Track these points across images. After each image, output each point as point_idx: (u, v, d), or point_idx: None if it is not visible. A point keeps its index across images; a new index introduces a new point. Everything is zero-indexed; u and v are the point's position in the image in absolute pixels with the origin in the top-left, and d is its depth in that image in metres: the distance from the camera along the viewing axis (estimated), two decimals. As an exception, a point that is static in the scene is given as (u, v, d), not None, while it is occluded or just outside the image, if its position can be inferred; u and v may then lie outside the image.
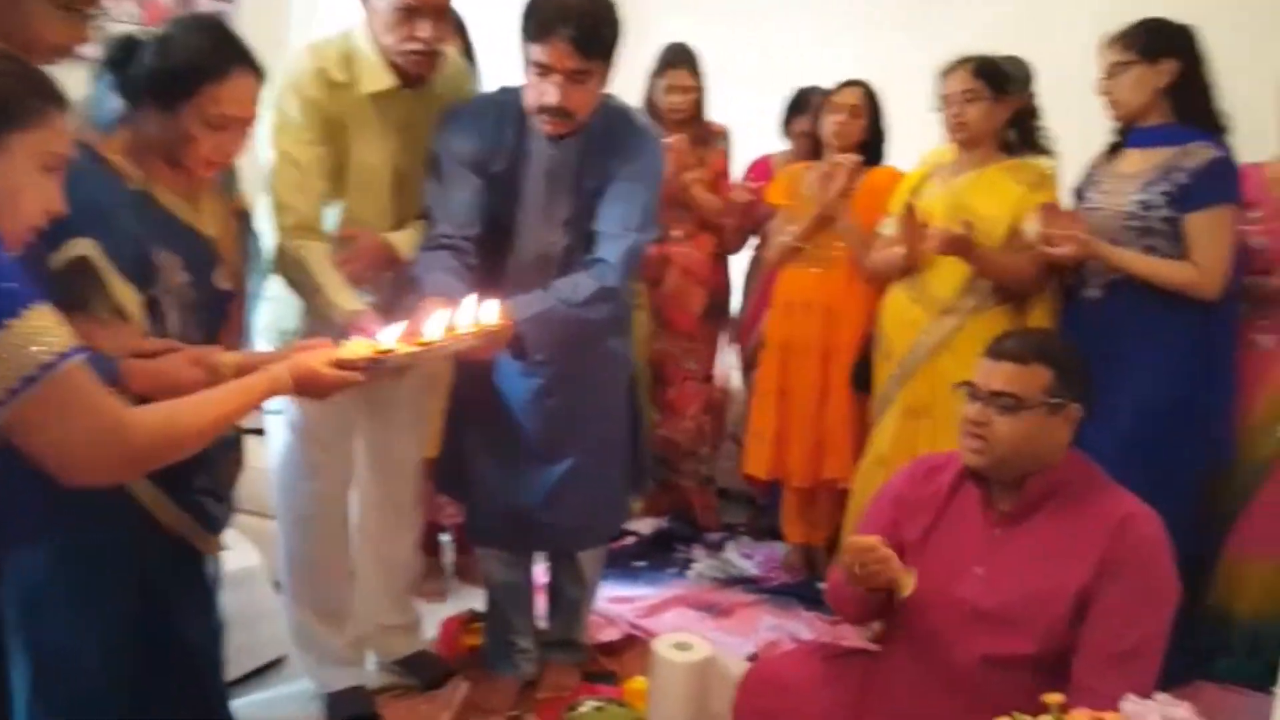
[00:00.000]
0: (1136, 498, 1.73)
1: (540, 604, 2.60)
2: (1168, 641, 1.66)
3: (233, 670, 2.06)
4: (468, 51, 2.69)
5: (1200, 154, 2.37)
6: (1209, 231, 2.36)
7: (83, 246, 1.47)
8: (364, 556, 2.46)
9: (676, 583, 3.24)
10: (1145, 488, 1.77)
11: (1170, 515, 1.73)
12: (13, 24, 1.46)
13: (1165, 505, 1.74)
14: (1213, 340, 2.44)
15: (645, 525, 3.56)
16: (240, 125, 1.64)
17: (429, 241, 2.13)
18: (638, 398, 2.53)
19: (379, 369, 1.55)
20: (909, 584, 1.76)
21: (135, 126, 1.60)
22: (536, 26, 2.00)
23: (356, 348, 1.54)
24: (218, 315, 1.73)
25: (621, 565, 3.25)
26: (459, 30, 2.70)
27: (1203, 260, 2.36)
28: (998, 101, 2.63)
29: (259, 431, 2.27)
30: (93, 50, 1.62)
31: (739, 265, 3.71)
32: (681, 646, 2.24)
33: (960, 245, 2.51)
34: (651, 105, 3.37)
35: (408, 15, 2.02)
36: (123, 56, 1.58)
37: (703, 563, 3.37)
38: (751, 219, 3.50)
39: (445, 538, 3.21)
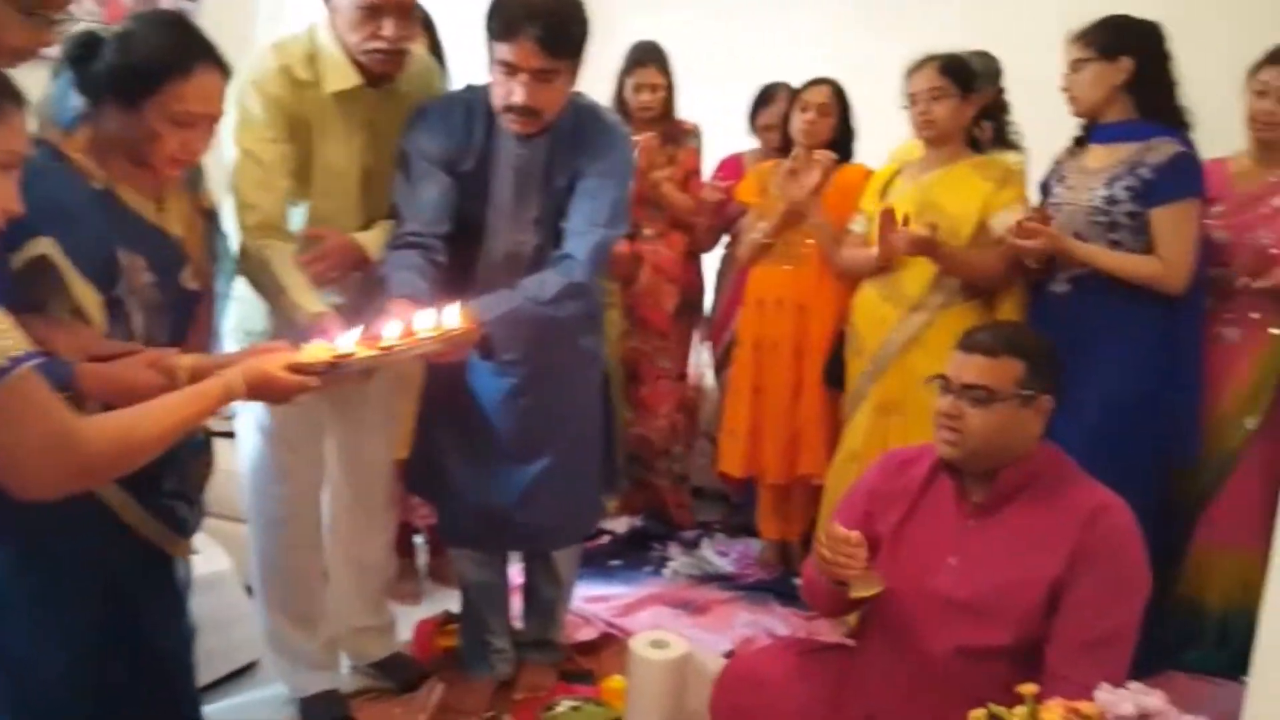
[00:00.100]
0: (1107, 489, 1.75)
1: (515, 604, 2.59)
2: (1139, 631, 1.68)
3: (204, 675, 2.03)
4: (436, 49, 2.67)
5: (1163, 149, 2.40)
6: (1173, 226, 2.39)
7: (43, 246, 1.44)
8: (336, 559, 2.44)
9: (652, 581, 3.24)
10: (1112, 480, 1.78)
11: (1137, 507, 1.75)
12: None
13: (1132, 497, 1.76)
14: (1178, 333, 2.48)
15: (620, 524, 3.56)
16: (206, 122, 1.61)
17: (396, 240, 2.10)
18: (611, 396, 2.52)
19: (337, 374, 1.52)
20: (862, 588, 1.75)
21: (97, 124, 1.57)
22: (502, 25, 1.99)
23: (315, 351, 1.51)
24: (185, 316, 1.71)
25: (597, 564, 3.25)
26: (427, 28, 2.68)
27: (1168, 254, 2.39)
28: (965, 99, 2.65)
29: (229, 434, 2.24)
30: (53, 48, 1.59)
31: (711, 263, 3.71)
32: (658, 644, 2.24)
33: (926, 245, 2.53)
34: (621, 103, 3.37)
35: (371, 14, 2.00)
36: (83, 53, 1.55)
37: (678, 561, 3.37)
38: (723, 217, 3.51)
39: (419, 539, 3.19)
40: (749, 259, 3.23)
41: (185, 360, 1.51)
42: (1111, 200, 2.42)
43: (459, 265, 2.16)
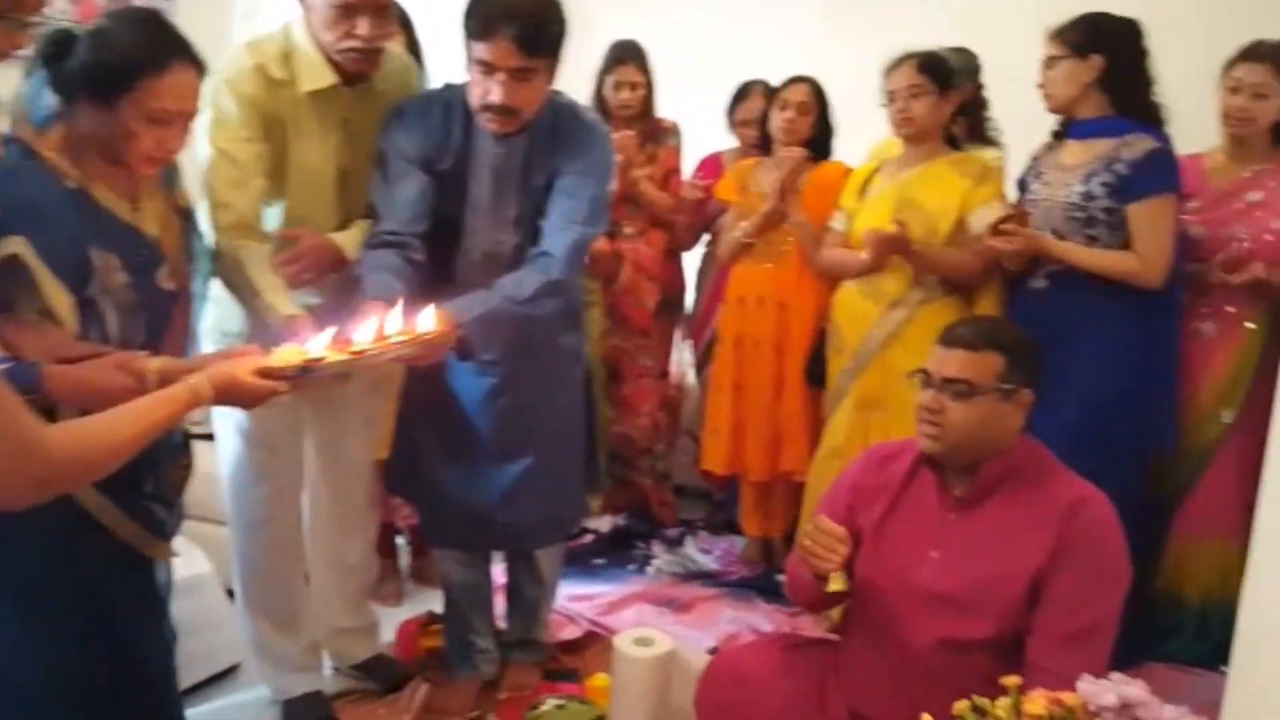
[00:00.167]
0: (1087, 482, 1.76)
1: (499, 604, 2.59)
2: (1119, 623, 1.69)
3: (185, 679, 2.03)
4: (413, 47, 2.66)
5: (1139, 145, 2.41)
6: (1150, 221, 2.41)
7: (13, 245, 1.43)
8: (317, 560, 2.43)
9: (636, 579, 3.24)
10: (1091, 473, 1.79)
11: (1116, 500, 1.76)
12: None
13: (1111, 490, 1.77)
14: (1155, 328, 2.50)
15: (603, 523, 3.56)
16: (181, 120, 1.60)
17: (373, 239, 2.09)
18: (593, 395, 2.52)
19: (308, 379, 1.50)
20: (836, 582, 1.76)
21: (71, 123, 1.56)
22: (479, 24, 1.97)
23: (286, 355, 1.49)
24: (161, 316, 1.69)
25: (580, 563, 3.25)
26: (404, 26, 2.66)
27: (1145, 250, 2.41)
28: (943, 96, 2.66)
29: (209, 437, 2.23)
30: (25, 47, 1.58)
31: (692, 261, 3.71)
32: (642, 642, 2.24)
33: (896, 244, 2.54)
34: (600, 102, 3.37)
35: (346, 12, 1.98)
36: (56, 51, 1.54)
37: (661, 559, 3.37)
38: (703, 215, 3.51)
39: (401, 540, 3.18)
40: (729, 257, 3.23)
41: (154, 363, 1.49)
42: (1088, 196, 2.44)
43: (438, 265, 2.15)
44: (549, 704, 2.33)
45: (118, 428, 1.27)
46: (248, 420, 2.17)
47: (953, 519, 1.78)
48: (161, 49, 1.55)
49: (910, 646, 1.74)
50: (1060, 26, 2.50)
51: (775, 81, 3.22)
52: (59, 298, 1.48)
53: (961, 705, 1.25)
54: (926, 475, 1.84)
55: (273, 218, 2.12)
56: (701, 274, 3.70)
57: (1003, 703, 1.24)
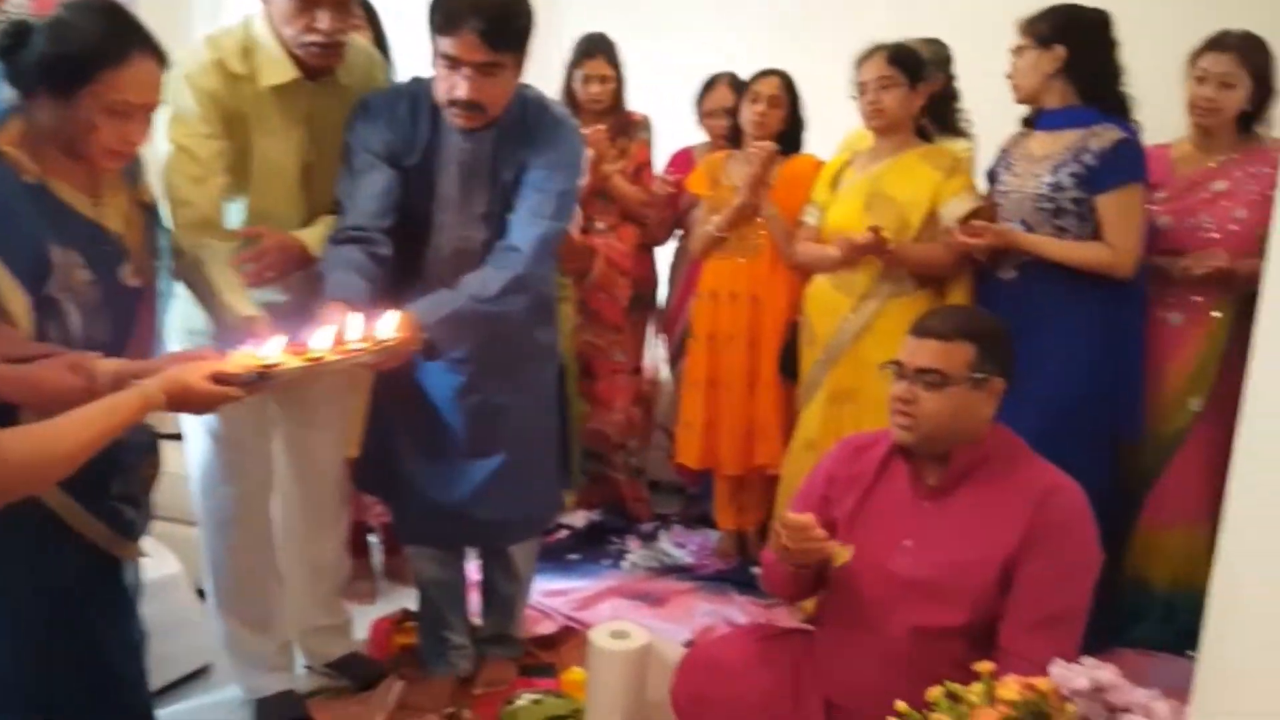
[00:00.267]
0: (1059, 470, 1.77)
1: (474, 601, 2.58)
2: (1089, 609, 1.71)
3: (156, 680, 2.01)
4: (380, 41, 2.63)
5: (1106, 136, 2.43)
6: (1119, 211, 2.43)
7: None
8: (289, 559, 2.41)
9: (611, 574, 3.23)
10: (1060, 461, 1.80)
11: (1086, 487, 1.77)
12: None
13: (1079, 478, 1.78)
14: (1123, 318, 2.52)
15: (578, 518, 3.55)
16: (143, 112, 1.57)
17: (337, 234, 2.06)
18: (566, 390, 2.51)
19: (263, 385, 1.49)
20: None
21: (29, 117, 1.53)
22: (444, 18, 1.95)
23: (242, 360, 1.47)
24: (126, 314, 1.66)
25: (555, 559, 3.24)
26: (371, 20, 2.64)
27: (1116, 240, 2.43)
28: (913, 88, 2.67)
29: (177, 437, 2.20)
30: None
31: (664, 256, 3.71)
32: (618, 635, 2.24)
33: (870, 249, 2.55)
34: (570, 96, 3.35)
35: (306, 6, 1.96)
36: (13, 44, 1.51)
37: (636, 553, 3.37)
38: (675, 210, 3.51)
39: (373, 538, 3.16)
40: (702, 252, 3.23)
41: (106, 364, 1.47)
42: (1057, 187, 2.46)
43: (406, 261, 2.13)
44: (525, 699, 2.32)
45: (70, 433, 1.26)
46: (216, 420, 2.14)
47: (926, 508, 1.79)
48: (121, 40, 1.52)
49: (885, 634, 1.75)
50: (1029, 17, 2.52)
51: (745, 75, 3.21)
52: (13, 296, 1.45)
53: (935, 691, 1.26)
54: (900, 465, 1.85)
55: (236, 214, 2.09)
56: (674, 269, 3.70)
57: (976, 688, 1.25)
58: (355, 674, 2.49)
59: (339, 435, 2.41)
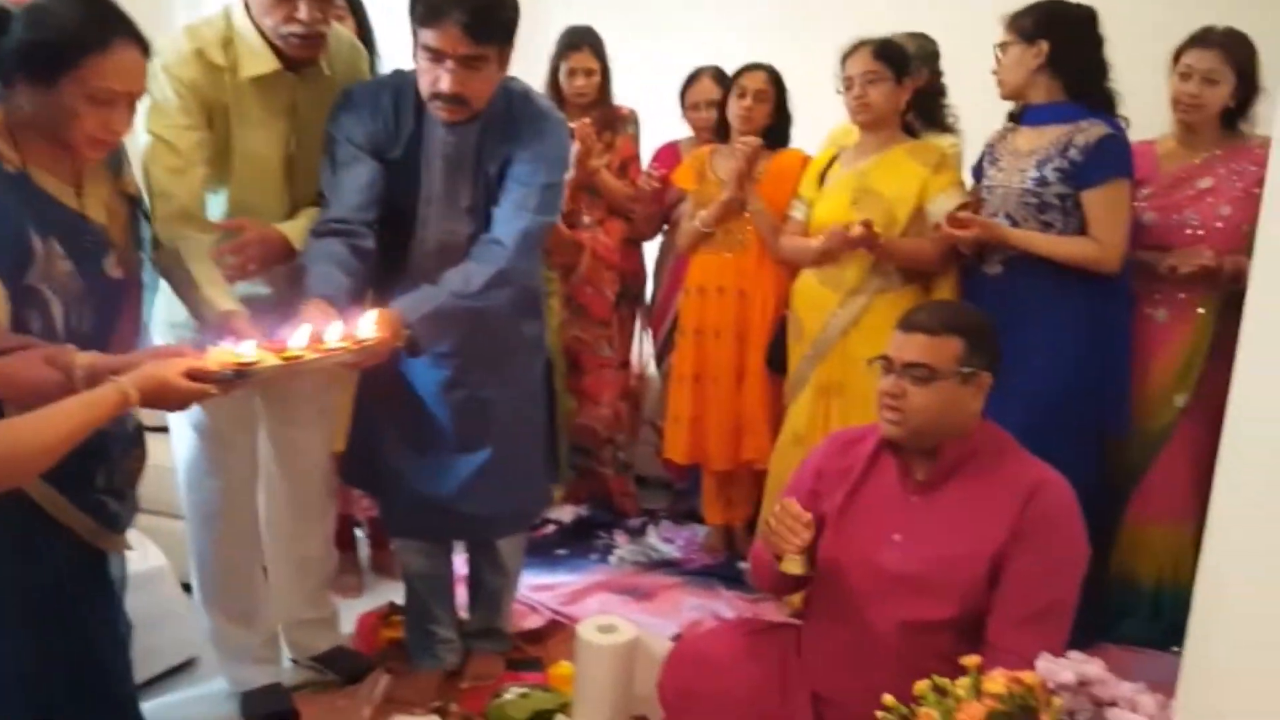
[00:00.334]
0: (1047, 465, 1.78)
1: (461, 595, 2.57)
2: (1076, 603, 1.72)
3: (142, 673, 2.00)
4: (364, 32, 2.61)
5: (1091, 131, 2.44)
6: (1105, 207, 2.44)
7: None
8: (276, 553, 2.40)
9: (598, 569, 3.23)
10: (1046, 457, 1.81)
11: (1072, 483, 1.78)
12: None
13: (1065, 473, 1.78)
14: (1109, 313, 2.53)
15: (565, 513, 3.54)
16: (126, 100, 1.55)
17: (319, 227, 2.04)
18: (553, 385, 2.50)
19: (240, 383, 1.48)
20: (791, 565, 1.77)
21: (9, 105, 1.51)
22: (426, 10, 1.93)
23: (219, 356, 1.47)
24: (110, 306, 1.65)
25: (543, 554, 3.23)
26: (355, 11, 2.63)
27: (1102, 235, 2.44)
28: (899, 83, 2.67)
29: (163, 429, 2.19)
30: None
31: (651, 251, 3.70)
32: (606, 629, 2.24)
33: (862, 242, 2.56)
34: (555, 89, 3.34)
35: None
36: None
37: (624, 548, 3.37)
38: (661, 204, 3.50)
39: (360, 532, 3.15)
40: (688, 247, 3.22)
41: (82, 358, 1.46)
42: (1042, 182, 2.46)
43: (391, 254, 2.12)
44: (512, 693, 2.32)
45: (46, 428, 1.27)
46: (201, 413, 2.13)
47: (915, 502, 1.80)
48: (103, 26, 1.50)
49: (873, 629, 1.75)
50: (1014, 12, 2.52)
51: (730, 69, 3.21)
52: None
53: (922, 685, 1.26)
54: (888, 460, 1.85)
55: (217, 206, 2.07)
56: (660, 263, 3.69)
57: (963, 682, 1.25)
58: (341, 668, 2.48)
59: (324, 429, 2.40)
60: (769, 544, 1.77)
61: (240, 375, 1.46)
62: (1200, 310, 2.58)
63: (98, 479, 1.60)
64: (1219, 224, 2.55)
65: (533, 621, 2.78)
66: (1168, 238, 2.59)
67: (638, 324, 3.71)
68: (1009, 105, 2.65)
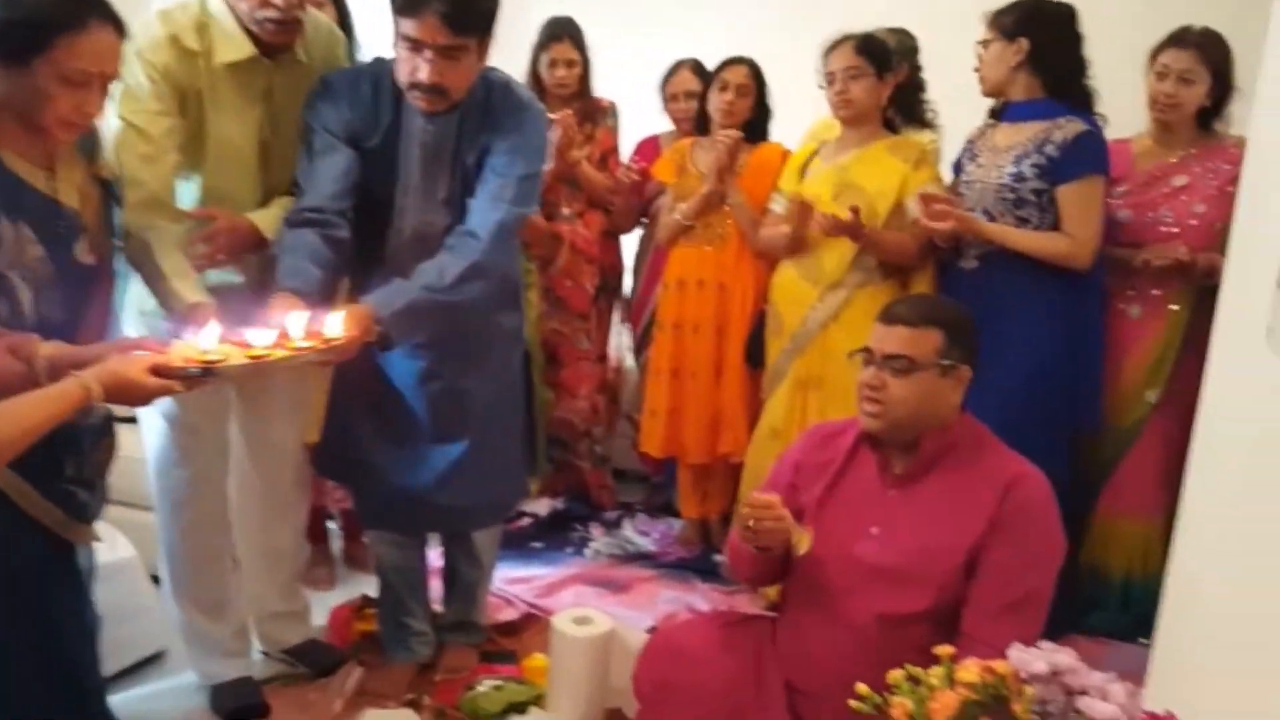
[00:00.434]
0: (1024, 459, 1.79)
1: (435, 587, 2.56)
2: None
3: (110, 665, 1.98)
4: (344, 20, 2.59)
5: (1069, 128, 2.46)
6: (1079, 202, 2.46)
7: None
8: (247, 545, 2.38)
9: (574, 561, 3.23)
10: (1019, 450, 1.82)
11: (1046, 476, 1.79)
12: None
13: (1041, 466, 1.79)
14: (1082, 309, 2.55)
15: (541, 506, 3.53)
16: (100, 82, 1.53)
17: (294, 216, 2.02)
18: (531, 377, 2.49)
19: (205, 380, 1.47)
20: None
21: (-20, 87, 1.49)
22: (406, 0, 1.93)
23: (184, 352, 1.45)
24: (81, 293, 1.63)
25: (518, 546, 3.23)
26: (335, -2, 2.60)
27: (1076, 231, 2.46)
28: (881, 79, 2.68)
29: (132, 420, 2.16)
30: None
31: (630, 244, 3.70)
32: (581, 621, 2.23)
33: (848, 228, 2.56)
34: (536, 80, 3.32)
35: None
36: None
37: (600, 541, 3.37)
38: (641, 197, 3.49)
39: (332, 524, 3.12)
40: (668, 240, 3.22)
41: (45, 349, 1.45)
42: (1019, 178, 2.48)
43: (367, 245, 2.10)
44: (486, 685, 2.32)
45: (9, 421, 1.26)
46: (171, 403, 2.10)
47: (893, 496, 1.80)
48: (78, 6, 1.48)
49: (850, 621, 1.76)
50: (995, 10, 2.54)
51: (710, 62, 3.20)
52: None
53: (896, 675, 1.27)
54: (867, 453, 1.85)
55: (190, 193, 2.04)
56: (639, 256, 3.69)
57: (936, 671, 1.26)
58: (313, 661, 2.46)
59: (297, 421, 2.38)
60: (754, 541, 1.77)
61: (206, 373, 1.45)
62: (1173, 307, 2.61)
63: (67, 469, 1.59)
64: (1193, 221, 2.58)
65: (507, 614, 2.78)
66: (1142, 235, 2.62)
67: (616, 317, 3.70)
68: (988, 101, 2.67)
